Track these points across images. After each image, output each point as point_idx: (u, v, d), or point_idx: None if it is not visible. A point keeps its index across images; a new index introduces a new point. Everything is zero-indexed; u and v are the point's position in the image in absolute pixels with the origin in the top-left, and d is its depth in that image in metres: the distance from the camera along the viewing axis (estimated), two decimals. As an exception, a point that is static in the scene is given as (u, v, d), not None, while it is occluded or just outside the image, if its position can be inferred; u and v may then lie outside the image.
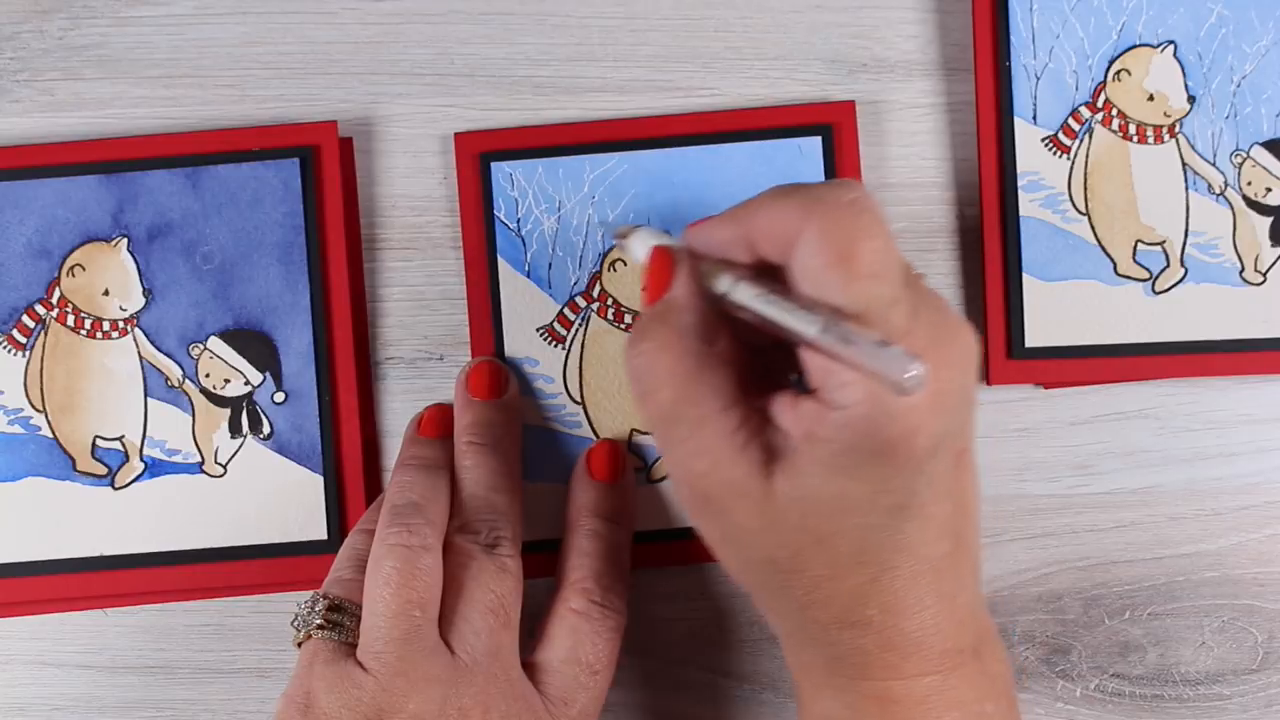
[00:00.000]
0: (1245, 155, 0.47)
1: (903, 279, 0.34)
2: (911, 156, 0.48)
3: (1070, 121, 0.47)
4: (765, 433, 0.36)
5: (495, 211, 0.47)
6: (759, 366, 0.38)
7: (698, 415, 0.36)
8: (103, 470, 0.46)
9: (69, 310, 0.46)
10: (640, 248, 0.40)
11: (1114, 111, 0.47)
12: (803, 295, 0.34)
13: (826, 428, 0.34)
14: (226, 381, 0.46)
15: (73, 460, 0.46)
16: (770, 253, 0.36)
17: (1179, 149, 0.47)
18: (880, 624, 0.36)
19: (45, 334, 0.46)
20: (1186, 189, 0.47)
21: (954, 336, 0.35)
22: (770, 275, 0.36)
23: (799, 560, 0.36)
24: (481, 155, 0.47)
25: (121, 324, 0.46)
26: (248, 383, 0.46)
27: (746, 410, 0.36)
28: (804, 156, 0.47)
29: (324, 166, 0.46)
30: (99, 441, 0.46)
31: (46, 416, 0.46)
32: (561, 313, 0.47)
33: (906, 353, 0.31)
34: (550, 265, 0.47)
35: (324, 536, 0.46)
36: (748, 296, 0.36)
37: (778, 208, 0.35)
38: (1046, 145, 0.47)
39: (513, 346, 0.47)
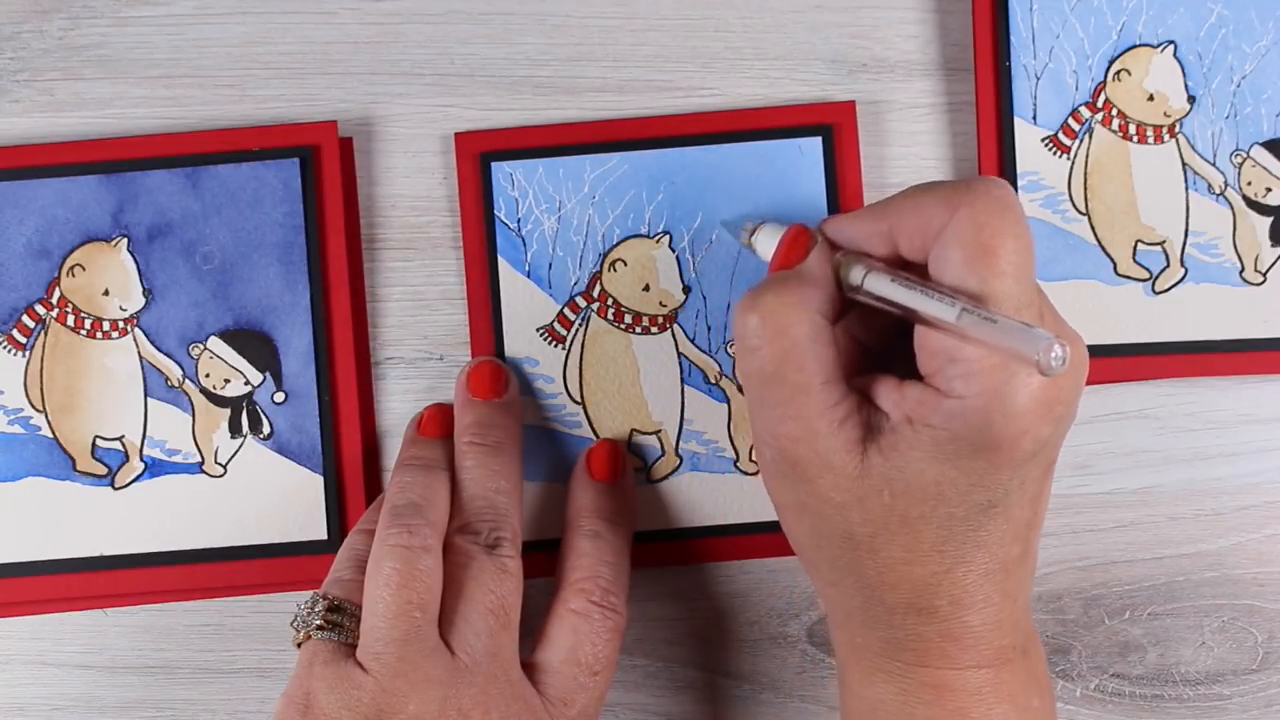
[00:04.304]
0: (1245, 155, 0.47)
1: (1036, 283, 0.35)
2: (911, 156, 0.48)
3: (1070, 121, 0.47)
4: (863, 411, 0.37)
5: (495, 211, 0.47)
6: (862, 358, 0.40)
7: (800, 381, 0.37)
8: (103, 470, 0.46)
9: (69, 310, 0.46)
10: (770, 238, 0.41)
11: (1114, 111, 0.47)
12: (939, 285, 0.35)
13: (937, 414, 0.35)
14: (226, 381, 0.46)
15: (73, 460, 0.46)
16: (908, 247, 0.37)
17: (1179, 149, 0.47)
18: (946, 614, 0.37)
19: (45, 334, 0.46)
20: (1186, 189, 0.47)
21: (1074, 347, 0.36)
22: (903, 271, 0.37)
23: (878, 540, 0.37)
24: (481, 155, 0.47)
25: (121, 324, 0.46)
26: (248, 383, 0.46)
27: (846, 388, 0.37)
28: (804, 156, 0.47)
29: (324, 166, 0.46)
30: (99, 441, 0.46)
31: (46, 416, 0.46)
32: (561, 313, 0.47)
33: (1052, 334, 0.32)
34: (550, 265, 0.47)
35: (324, 536, 0.46)
36: (882, 284, 0.37)
37: (922, 200, 0.37)
38: (1046, 145, 0.47)
39: (513, 346, 0.47)
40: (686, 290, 0.47)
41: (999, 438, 0.35)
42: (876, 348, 0.40)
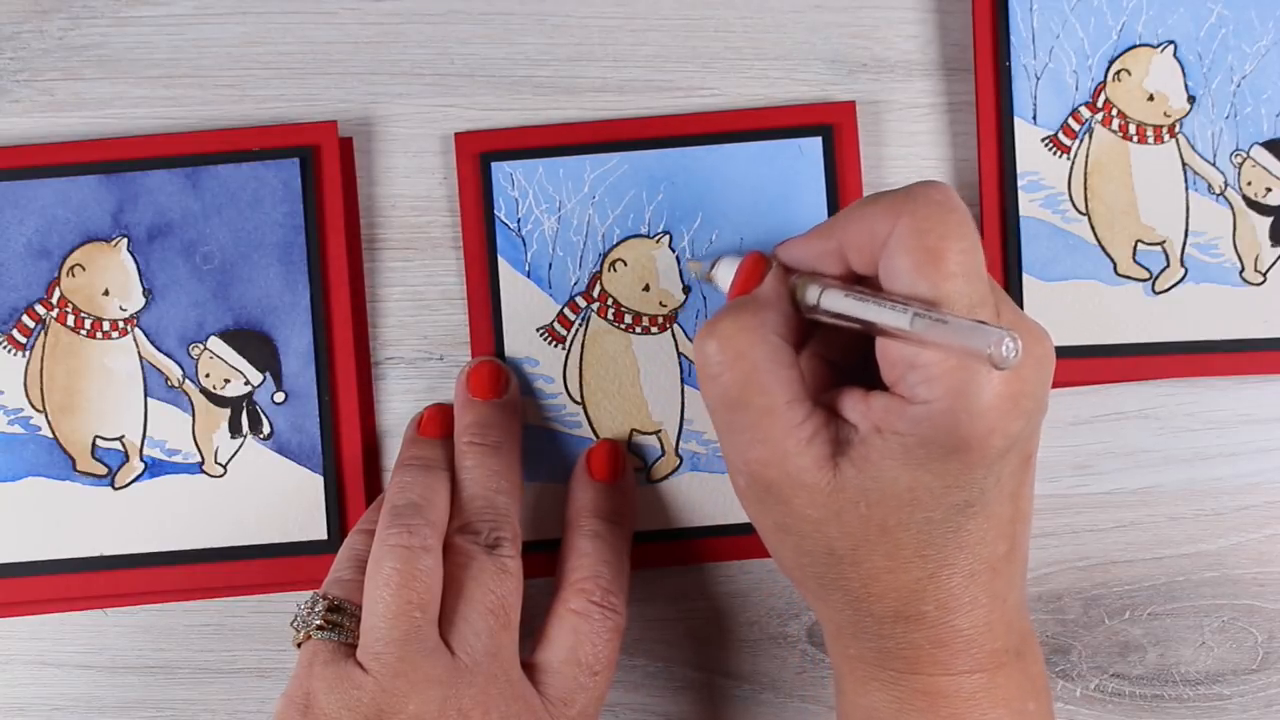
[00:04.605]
0: (1245, 155, 0.47)
1: (988, 280, 0.35)
2: (911, 156, 0.48)
3: (1070, 121, 0.47)
4: (831, 426, 0.37)
5: (495, 211, 0.47)
6: (825, 375, 0.40)
7: (764, 403, 0.37)
8: (103, 470, 0.46)
9: (69, 310, 0.46)
10: (728, 269, 0.42)
11: (1114, 111, 0.47)
12: (892, 294, 0.35)
13: (904, 421, 0.35)
14: (226, 381, 0.46)
15: (73, 460, 0.46)
16: (858, 261, 0.37)
17: (1179, 149, 0.47)
18: (934, 619, 0.37)
19: (45, 334, 0.46)
20: (1186, 189, 0.47)
21: (1035, 341, 0.36)
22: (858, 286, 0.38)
23: (860, 552, 0.37)
24: (481, 155, 0.47)
25: (121, 324, 0.46)
26: (248, 383, 0.46)
27: (811, 405, 0.37)
28: (804, 157, 0.47)
29: (324, 166, 0.46)
30: (99, 441, 0.46)
31: (46, 416, 0.46)
32: (561, 313, 0.47)
33: (1002, 328, 0.32)
34: (550, 265, 0.47)
35: (324, 536, 0.46)
36: (837, 300, 0.37)
37: (865, 214, 0.37)
38: (1046, 145, 0.47)
39: (513, 346, 0.47)
40: (686, 290, 0.47)
41: (968, 437, 0.34)
42: (846, 364, 0.40)
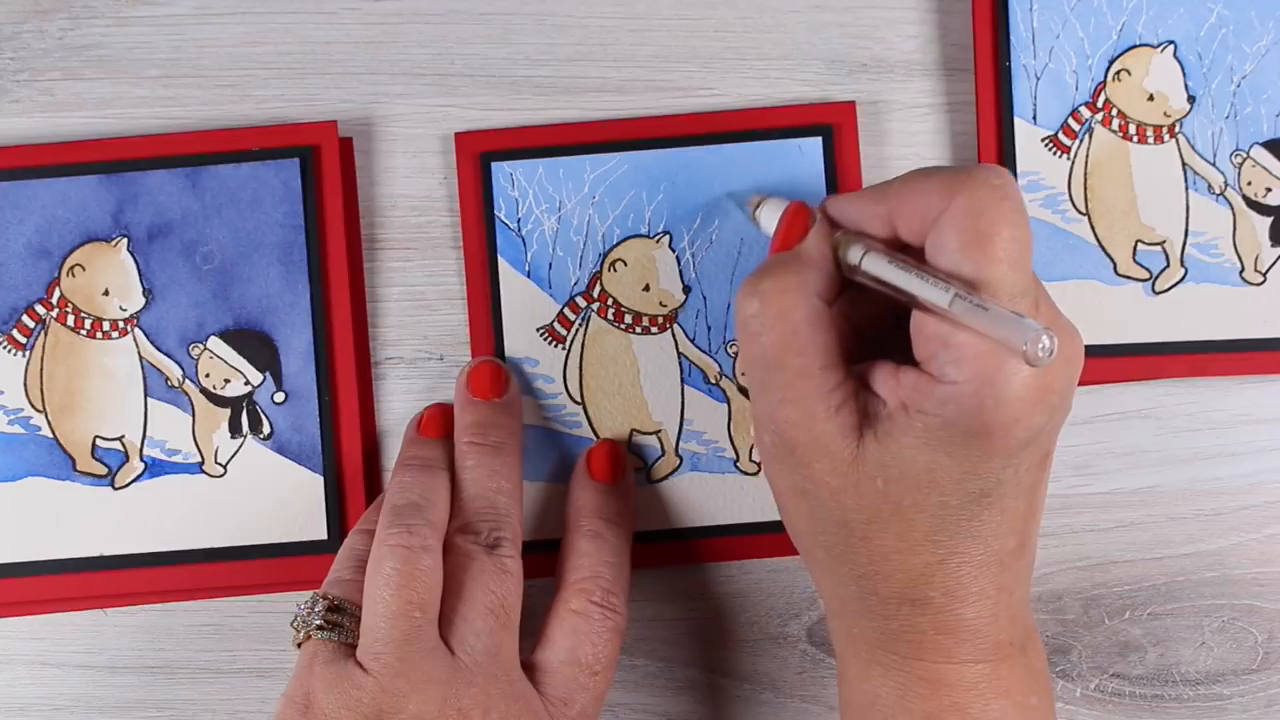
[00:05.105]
0: (1245, 155, 0.47)
1: (1032, 272, 0.35)
2: (911, 156, 0.48)
3: (1070, 121, 0.47)
4: (860, 397, 0.37)
5: (495, 211, 0.47)
6: (859, 342, 0.40)
7: (800, 365, 0.37)
8: (103, 470, 0.46)
9: (69, 310, 0.46)
10: (772, 214, 0.42)
11: (1114, 111, 0.47)
12: (936, 269, 0.35)
13: (930, 401, 0.35)
14: (226, 381, 0.46)
15: (73, 460, 0.46)
16: (907, 231, 0.37)
17: (1179, 149, 0.47)
18: (940, 606, 0.37)
19: (45, 334, 0.46)
20: (1186, 189, 0.47)
21: (1067, 339, 0.36)
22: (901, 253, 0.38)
23: (872, 527, 0.37)
24: (482, 155, 0.47)
25: (121, 324, 0.46)
26: (248, 383, 0.46)
27: (845, 373, 0.37)
28: (804, 156, 0.47)
29: (324, 166, 0.46)
30: (99, 441, 0.46)
31: (46, 416, 0.46)
32: (561, 313, 0.47)
33: (1041, 324, 0.32)
34: (550, 265, 0.47)
35: (324, 536, 0.46)
36: (879, 265, 0.37)
37: (921, 185, 0.37)
38: (1046, 145, 0.47)
39: (513, 346, 0.47)
40: (686, 290, 0.47)
41: (990, 425, 0.35)
42: (870, 332, 0.40)
